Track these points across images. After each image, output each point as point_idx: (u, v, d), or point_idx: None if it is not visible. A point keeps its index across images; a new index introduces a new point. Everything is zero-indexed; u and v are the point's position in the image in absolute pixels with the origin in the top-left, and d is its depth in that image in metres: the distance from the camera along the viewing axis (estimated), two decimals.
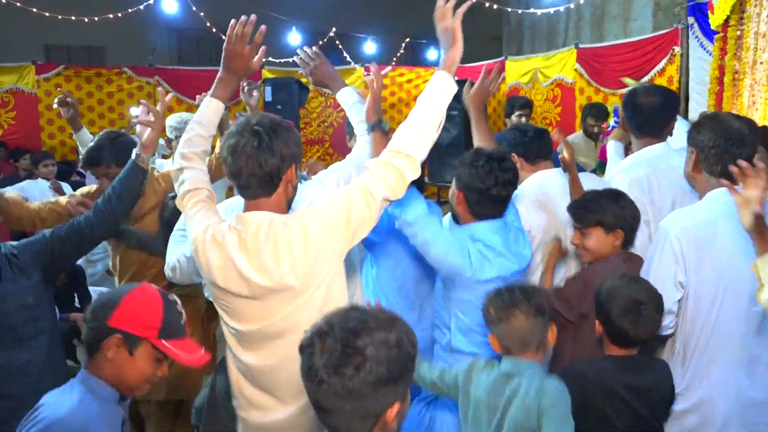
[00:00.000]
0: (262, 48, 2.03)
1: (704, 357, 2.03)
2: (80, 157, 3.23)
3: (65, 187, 5.52)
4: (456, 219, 2.37)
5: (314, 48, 2.48)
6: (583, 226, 2.28)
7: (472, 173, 2.17)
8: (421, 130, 1.82)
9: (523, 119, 5.16)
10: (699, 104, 5.72)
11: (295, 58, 2.47)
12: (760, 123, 4.86)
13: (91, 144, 2.80)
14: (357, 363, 1.17)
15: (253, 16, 1.97)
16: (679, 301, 2.06)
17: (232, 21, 1.97)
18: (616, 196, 2.28)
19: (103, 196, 2.38)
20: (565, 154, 2.51)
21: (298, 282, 1.75)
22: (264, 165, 1.73)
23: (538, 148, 2.75)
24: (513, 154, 2.65)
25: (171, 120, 4.17)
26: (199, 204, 1.89)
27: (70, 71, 8.10)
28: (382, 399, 1.20)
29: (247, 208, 1.82)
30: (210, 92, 2.06)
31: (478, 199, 2.20)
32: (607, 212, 2.22)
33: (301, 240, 1.73)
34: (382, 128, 2.27)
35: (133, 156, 2.46)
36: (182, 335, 1.65)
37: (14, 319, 2.06)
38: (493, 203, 2.21)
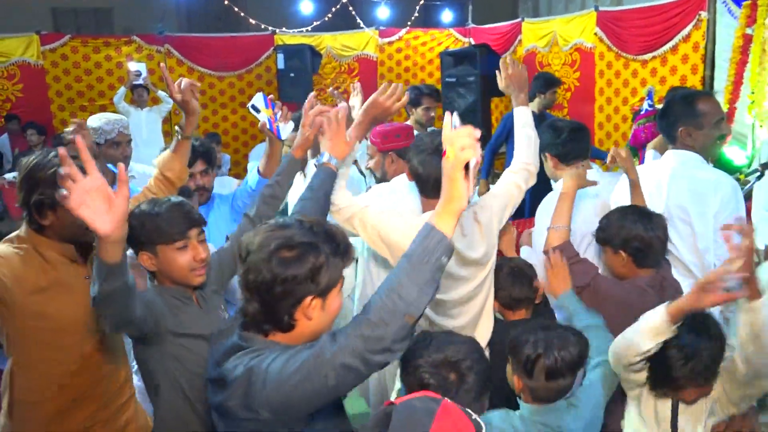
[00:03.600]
0: (405, 98, 2.18)
1: None
2: None
3: None
4: None
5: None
6: (599, 244, 2.33)
7: None
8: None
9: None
10: (726, 73, 5.50)
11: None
12: None
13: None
14: None
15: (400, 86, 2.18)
16: None
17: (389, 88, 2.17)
18: (623, 215, 2.25)
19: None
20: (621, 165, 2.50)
21: (491, 253, 2.30)
22: None
23: (572, 148, 2.68)
24: (547, 154, 2.60)
25: (95, 121, 3.24)
26: (367, 211, 2.18)
27: (77, 41, 7.93)
28: None
29: (429, 206, 2.24)
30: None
31: None
32: (611, 232, 2.22)
33: (489, 222, 2.27)
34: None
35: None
36: None
37: None
38: None
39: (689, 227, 2.44)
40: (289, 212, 2.12)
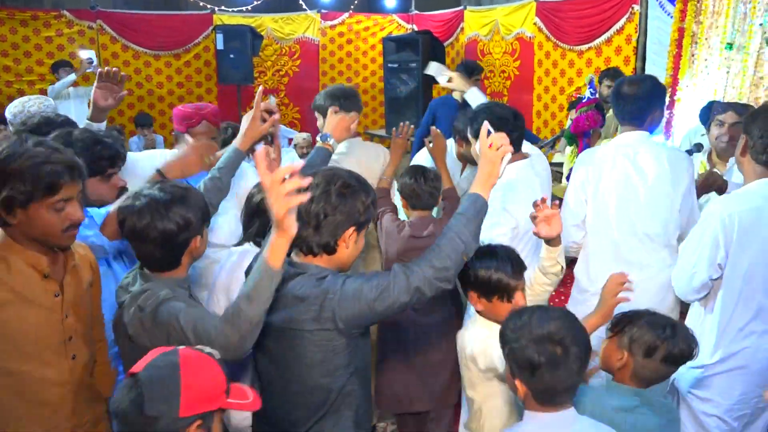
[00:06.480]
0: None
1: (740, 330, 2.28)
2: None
3: None
4: None
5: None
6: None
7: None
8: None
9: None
10: (656, 65, 5.72)
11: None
12: (712, 87, 4.91)
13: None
14: None
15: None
16: (714, 280, 2.27)
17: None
18: (406, 173, 2.81)
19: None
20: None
21: None
22: None
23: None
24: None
25: (17, 108, 3.18)
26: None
27: (2, 13, 7.50)
28: None
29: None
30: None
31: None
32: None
33: None
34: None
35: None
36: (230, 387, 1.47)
37: None
38: None
39: (666, 198, 2.56)
40: None
